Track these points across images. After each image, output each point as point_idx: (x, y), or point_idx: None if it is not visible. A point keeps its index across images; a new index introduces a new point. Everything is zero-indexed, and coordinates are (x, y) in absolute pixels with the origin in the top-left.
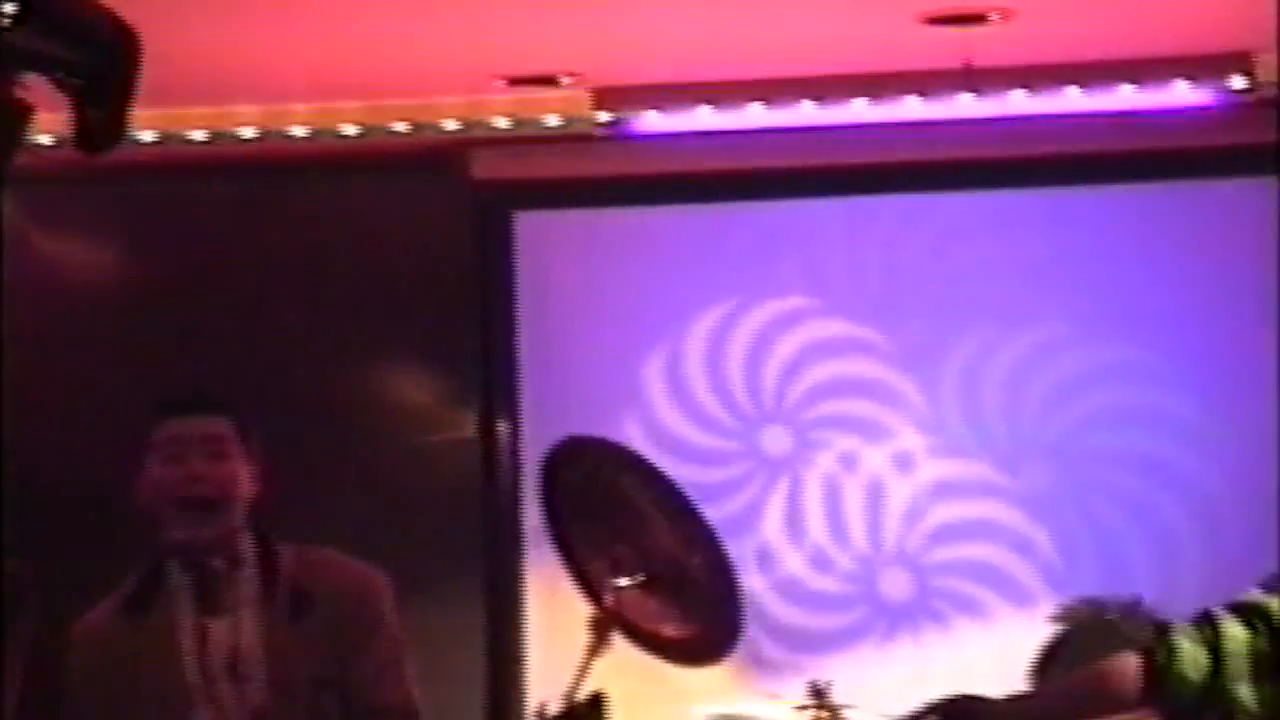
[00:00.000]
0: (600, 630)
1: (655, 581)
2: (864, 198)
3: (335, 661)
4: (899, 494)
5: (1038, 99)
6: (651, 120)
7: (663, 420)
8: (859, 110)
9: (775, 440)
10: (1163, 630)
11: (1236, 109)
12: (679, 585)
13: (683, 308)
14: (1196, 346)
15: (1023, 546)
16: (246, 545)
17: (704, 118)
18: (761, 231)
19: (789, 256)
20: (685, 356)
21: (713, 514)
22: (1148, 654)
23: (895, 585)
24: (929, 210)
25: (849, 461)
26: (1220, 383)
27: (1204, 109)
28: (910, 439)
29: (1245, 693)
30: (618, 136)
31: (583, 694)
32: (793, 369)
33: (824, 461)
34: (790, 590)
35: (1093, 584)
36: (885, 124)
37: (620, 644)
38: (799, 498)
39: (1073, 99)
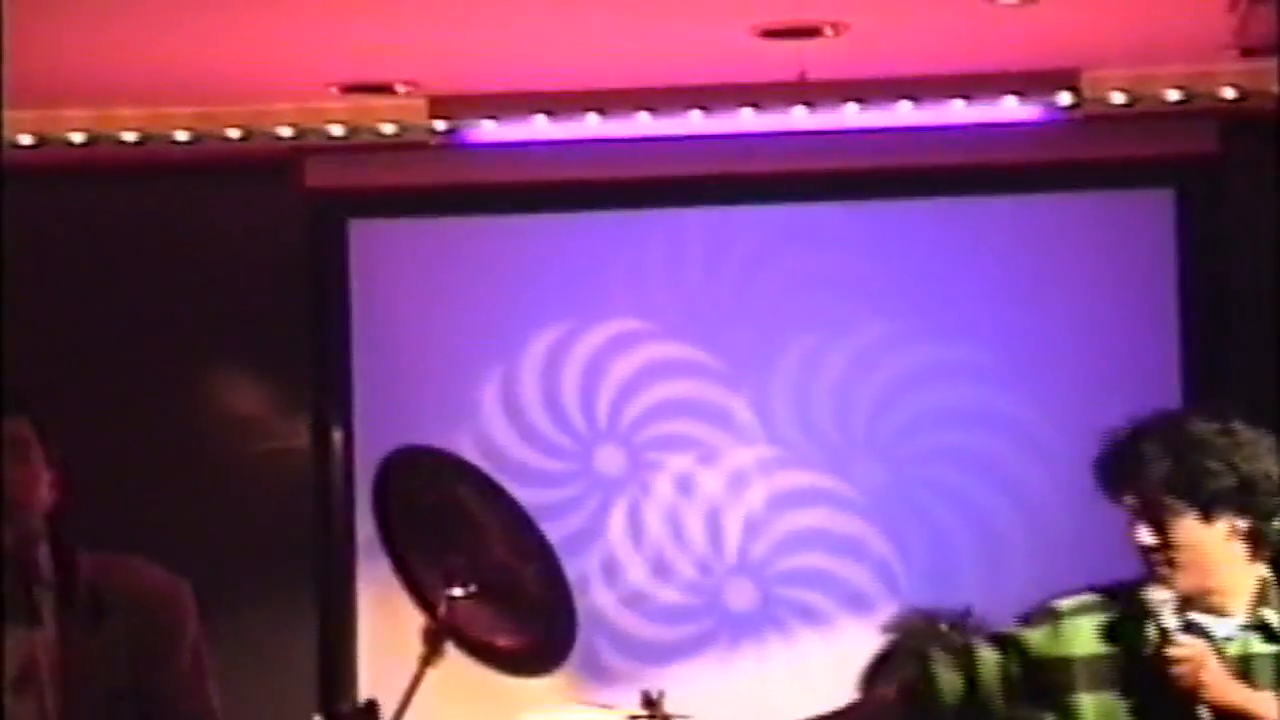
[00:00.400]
0: (433, 641)
1: (489, 592)
2: (697, 210)
3: (134, 672)
4: (737, 507)
5: (870, 112)
6: (487, 129)
7: (496, 436)
8: (694, 122)
9: (610, 460)
10: (920, 655)
11: (1063, 125)
12: (512, 596)
13: (518, 322)
14: (1022, 347)
15: (858, 551)
16: (44, 553)
17: (540, 127)
18: (598, 244)
19: (623, 270)
20: (520, 376)
21: (553, 532)
22: (907, 684)
23: (739, 596)
24: (759, 222)
25: (685, 480)
26: (1045, 382)
27: (1032, 124)
28: (744, 454)
29: (997, 714)
30: (453, 145)
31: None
32: (627, 390)
33: (661, 479)
34: (635, 603)
35: (923, 583)
36: (720, 135)
37: (454, 654)
38: (639, 513)
39: (904, 113)
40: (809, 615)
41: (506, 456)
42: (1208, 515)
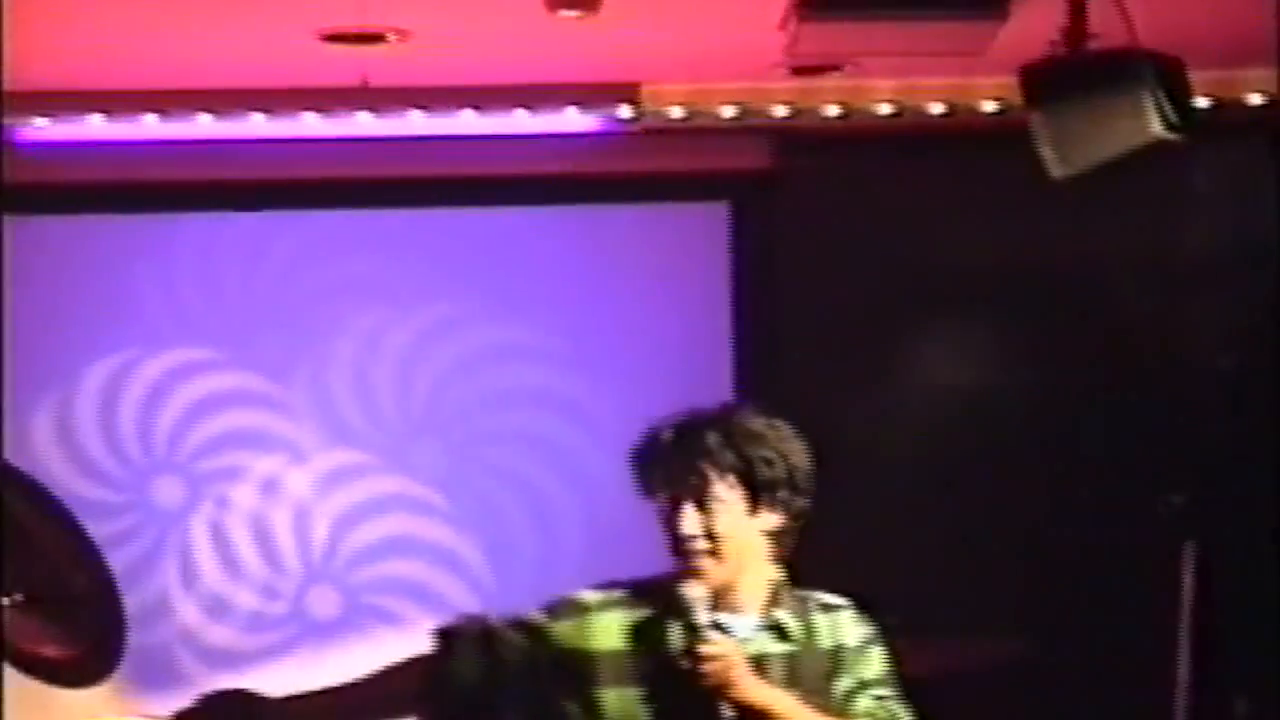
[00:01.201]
0: None
1: (36, 601)
2: (255, 214)
3: None
4: (315, 516)
5: (435, 119)
6: (41, 128)
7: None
8: (257, 125)
9: (169, 490)
10: (445, 635)
11: (623, 137)
12: (62, 605)
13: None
14: (584, 342)
15: (441, 554)
16: None
17: (96, 127)
18: (132, 245)
19: (155, 274)
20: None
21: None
22: (429, 658)
23: (323, 603)
24: (309, 226)
25: (269, 485)
26: (606, 374)
27: (592, 135)
28: (314, 464)
29: (520, 701)
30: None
31: None
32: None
33: (235, 494)
34: (217, 611)
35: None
36: (285, 139)
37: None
38: (220, 525)
39: (469, 121)
40: (388, 618)
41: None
42: (755, 506)
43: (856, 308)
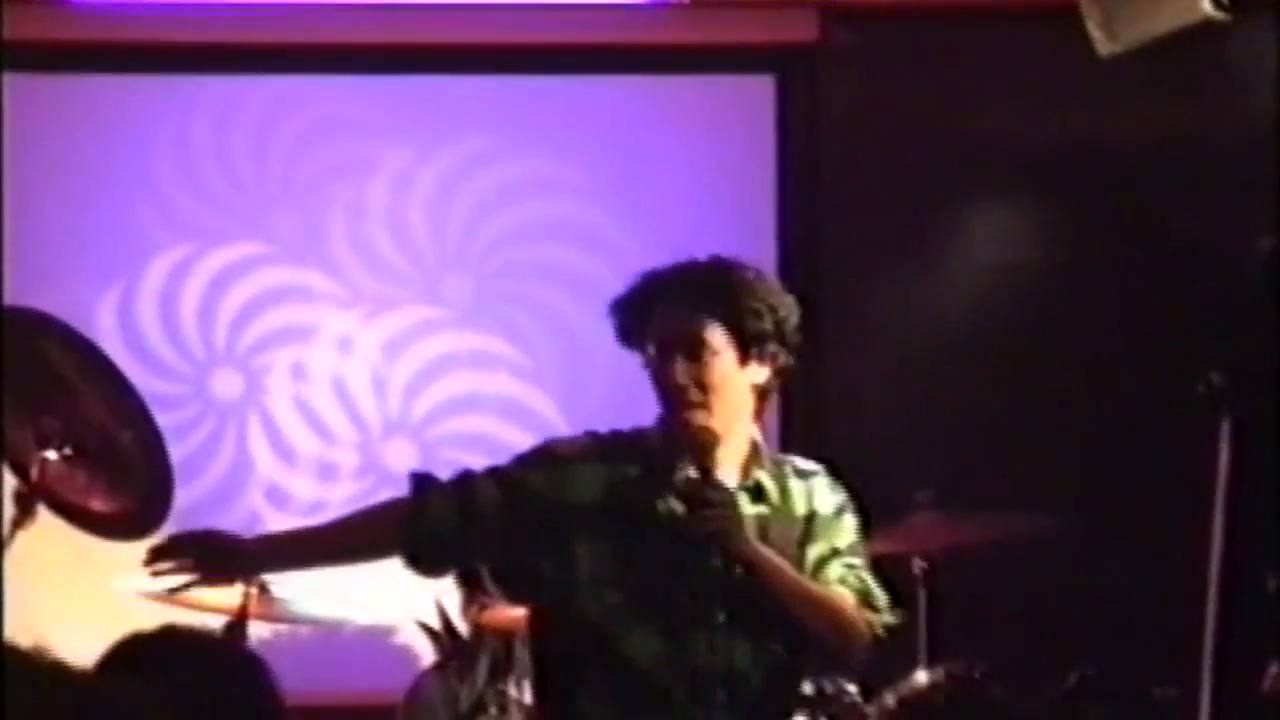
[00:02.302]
0: (24, 504)
1: (83, 454)
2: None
3: None
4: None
5: None
6: None
7: None
8: None
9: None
10: (421, 483)
11: (671, 9)
12: (108, 459)
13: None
14: (640, 204)
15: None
16: None
17: None
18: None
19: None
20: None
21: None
22: (405, 503)
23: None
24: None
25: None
26: (658, 236)
27: (641, 7)
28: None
29: (494, 552)
30: (63, 2)
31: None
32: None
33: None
34: (298, 463)
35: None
36: (337, 4)
37: (46, 516)
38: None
39: None
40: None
41: None
42: (744, 358)
43: (899, 182)
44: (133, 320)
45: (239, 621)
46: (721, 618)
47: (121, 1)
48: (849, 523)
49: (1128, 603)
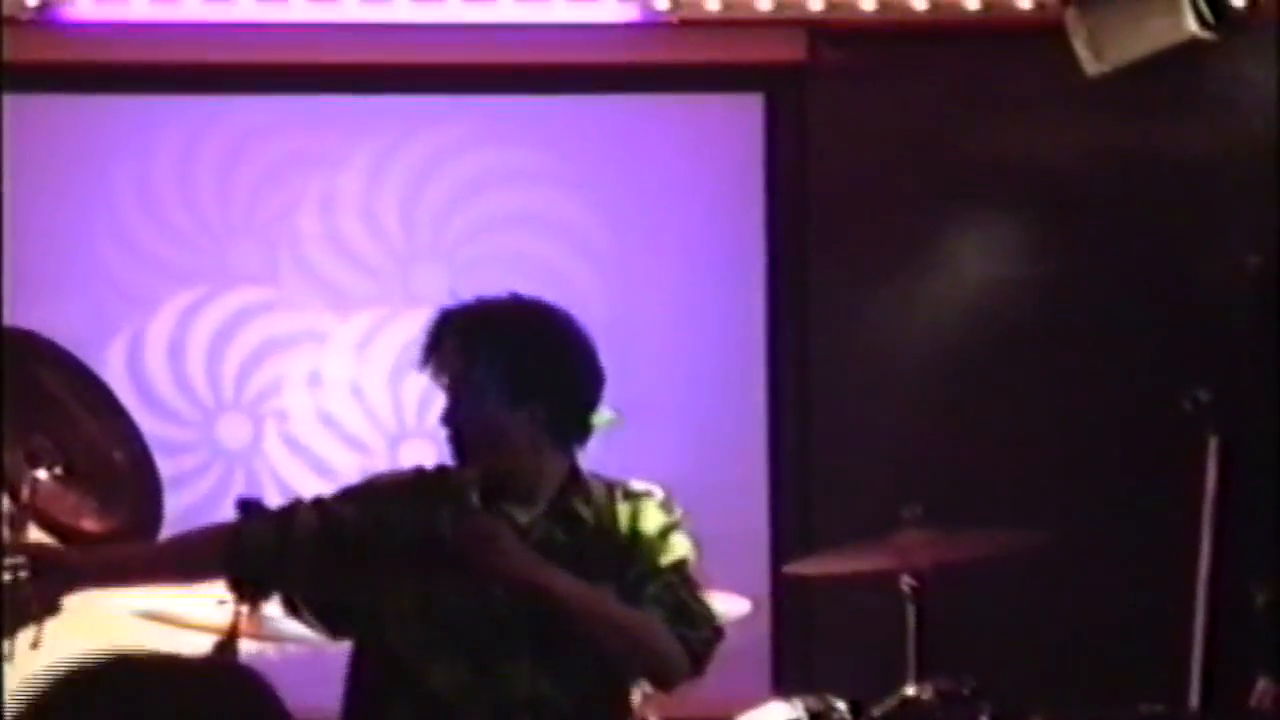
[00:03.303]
0: (14, 524)
1: (74, 474)
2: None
3: None
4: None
5: (472, 7)
6: (84, 7)
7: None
8: (295, 8)
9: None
10: (246, 508)
11: (659, 27)
12: (99, 479)
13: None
14: (625, 223)
15: None
16: None
17: (138, 9)
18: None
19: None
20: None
21: None
22: (229, 527)
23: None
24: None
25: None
26: (646, 260)
27: (629, 25)
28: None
29: (307, 580)
30: (47, 22)
31: None
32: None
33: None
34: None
35: None
36: (318, 24)
37: (37, 537)
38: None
39: (506, 9)
40: None
41: None
42: (517, 397)
43: (887, 200)
44: (141, 364)
45: (230, 639)
46: (526, 648)
47: (109, 22)
48: (676, 541)
49: (1116, 619)
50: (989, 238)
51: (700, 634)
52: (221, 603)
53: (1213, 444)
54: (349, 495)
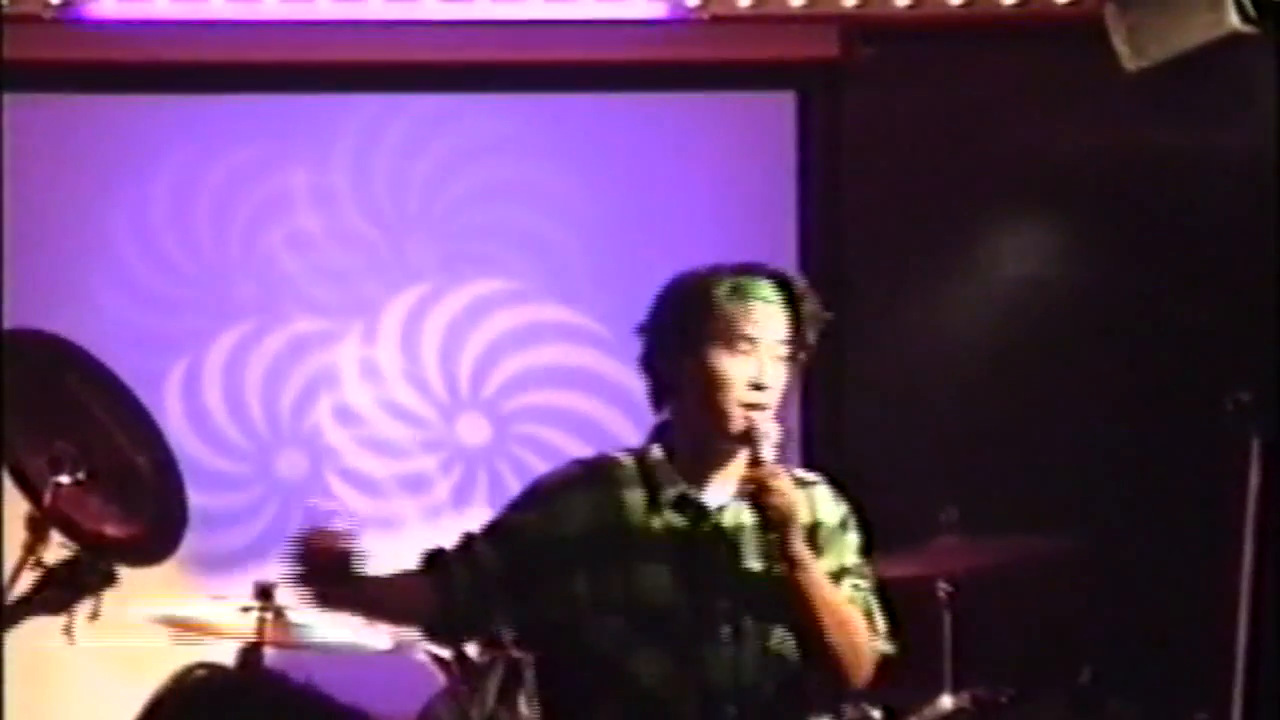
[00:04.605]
0: (37, 529)
1: (96, 479)
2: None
3: None
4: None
5: (502, 4)
6: (107, 5)
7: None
8: (324, 8)
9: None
10: (430, 559)
11: (690, 25)
12: (122, 484)
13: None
14: (660, 220)
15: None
16: None
17: (161, 7)
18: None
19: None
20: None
21: None
22: (426, 580)
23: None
24: (393, 109)
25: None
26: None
27: (660, 23)
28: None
29: (505, 610)
30: (70, 20)
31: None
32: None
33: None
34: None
35: None
36: (344, 21)
37: (59, 542)
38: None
39: (536, 6)
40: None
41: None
42: (792, 359)
43: (921, 198)
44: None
45: (255, 647)
46: (728, 631)
47: (132, 20)
48: (852, 539)
49: (1157, 626)
50: (1024, 237)
51: (880, 644)
52: (245, 610)
53: (1255, 446)
54: (518, 505)
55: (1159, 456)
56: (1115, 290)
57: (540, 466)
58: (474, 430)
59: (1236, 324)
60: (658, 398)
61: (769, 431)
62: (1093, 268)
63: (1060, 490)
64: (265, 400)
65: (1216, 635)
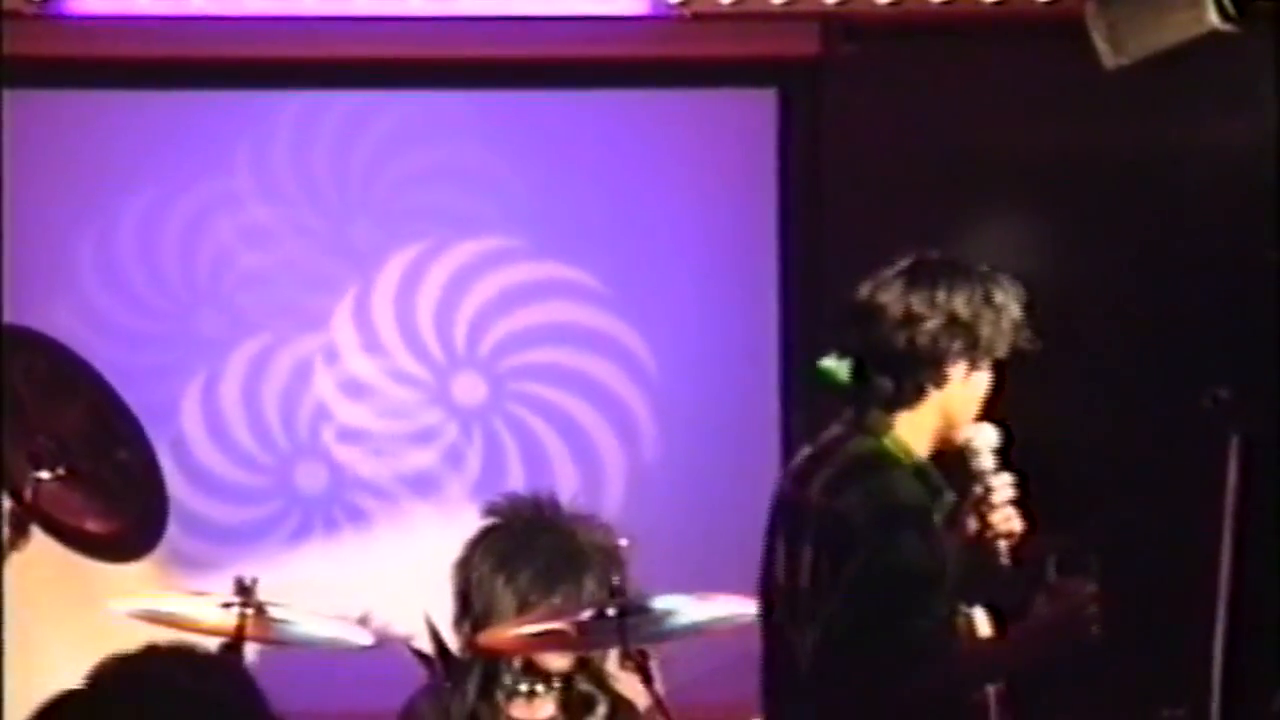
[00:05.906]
0: (17, 524)
1: (77, 475)
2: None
3: None
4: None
5: (480, 0)
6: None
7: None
8: (306, 4)
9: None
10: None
11: (671, 21)
12: (103, 480)
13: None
14: (637, 218)
15: (455, 456)
16: None
17: (141, 2)
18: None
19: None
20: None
21: None
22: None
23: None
24: (372, 108)
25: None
26: (655, 255)
27: (640, 19)
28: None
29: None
30: (50, 15)
31: None
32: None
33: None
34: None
35: None
36: (337, 18)
37: (40, 538)
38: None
39: (514, 2)
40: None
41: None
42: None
43: (902, 196)
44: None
45: (235, 642)
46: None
47: (114, 15)
48: None
49: (1136, 621)
50: (1005, 235)
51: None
52: (226, 605)
53: (1234, 442)
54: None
55: (1140, 452)
56: (1095, 288)
57: (538, 425)
58: (470, 390)
59: (1216, 320)
60: None
61: None
62: (1073, 265)
63: (1040, 485)
64: (263, 402)
65: (1196, 631)
